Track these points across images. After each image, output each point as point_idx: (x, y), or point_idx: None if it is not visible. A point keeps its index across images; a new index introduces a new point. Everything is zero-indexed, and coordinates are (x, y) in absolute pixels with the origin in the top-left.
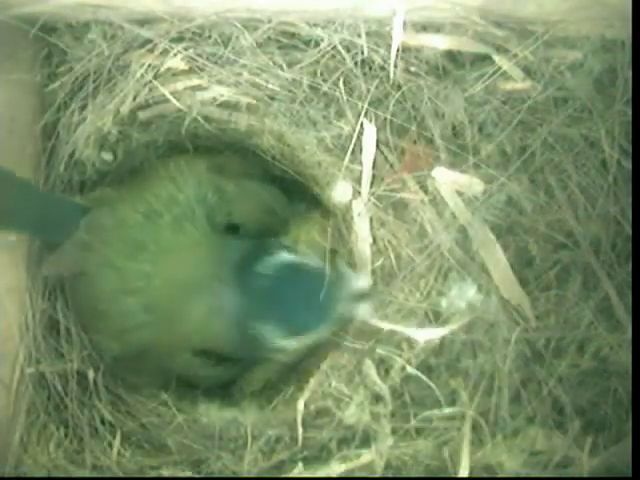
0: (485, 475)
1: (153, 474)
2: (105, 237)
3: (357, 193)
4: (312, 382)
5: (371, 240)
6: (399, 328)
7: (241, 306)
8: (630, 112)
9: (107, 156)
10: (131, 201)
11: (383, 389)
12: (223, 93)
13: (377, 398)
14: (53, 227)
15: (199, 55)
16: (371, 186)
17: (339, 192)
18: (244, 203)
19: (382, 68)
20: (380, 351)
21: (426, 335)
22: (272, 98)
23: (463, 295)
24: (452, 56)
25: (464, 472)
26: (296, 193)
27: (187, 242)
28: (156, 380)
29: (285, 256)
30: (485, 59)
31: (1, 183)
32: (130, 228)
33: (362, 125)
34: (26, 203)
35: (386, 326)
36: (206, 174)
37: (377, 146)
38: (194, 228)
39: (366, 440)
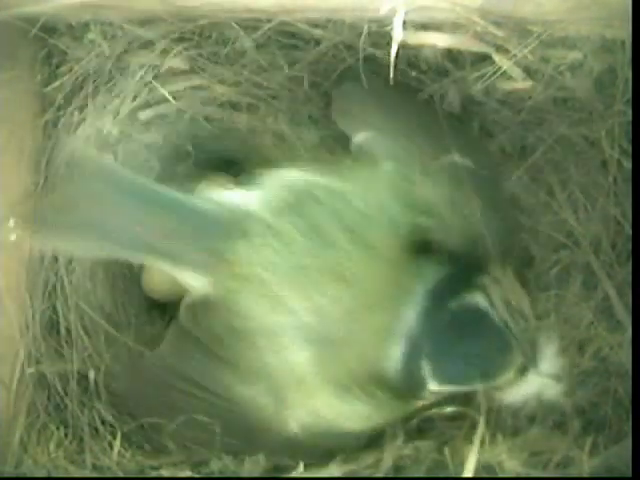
0: (485, 475)
1: (153, 474)
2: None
3: None
4: None
5: None
6: None
7: (420, 340)
8: (630, 112)
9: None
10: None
11: None
12: (223, 93)
13: None
14: None
15: (199, 55)
16: None
17: None
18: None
19: None
20: None
21: None
22: (273, 98)
23: None
24: (452, 56)
25: (468, 473)
26: None
27: (363, 263)
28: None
29: (480, 300)
30: (485, 59)
31: None
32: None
33: None
34: None
35: None
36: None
37: None
38: (370, 244)
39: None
